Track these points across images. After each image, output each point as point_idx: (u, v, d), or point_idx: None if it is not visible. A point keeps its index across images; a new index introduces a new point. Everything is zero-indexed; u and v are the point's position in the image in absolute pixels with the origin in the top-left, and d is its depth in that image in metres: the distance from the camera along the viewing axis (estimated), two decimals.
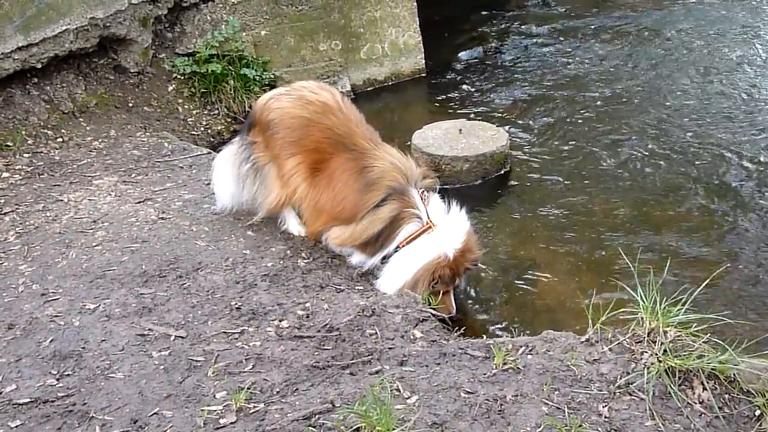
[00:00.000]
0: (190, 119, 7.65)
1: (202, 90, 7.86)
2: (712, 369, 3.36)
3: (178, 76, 7.87)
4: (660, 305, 3.53)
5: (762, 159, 6.69)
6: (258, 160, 4.93)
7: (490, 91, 8.62)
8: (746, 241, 5.51)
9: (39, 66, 6.70)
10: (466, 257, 4.63)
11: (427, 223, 4.59)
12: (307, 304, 4.16)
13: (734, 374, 3.36)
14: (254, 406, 3.25)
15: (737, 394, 3.32)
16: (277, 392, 3.36)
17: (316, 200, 4.76)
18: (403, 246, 4.61)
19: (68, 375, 3.56)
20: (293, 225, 5.11)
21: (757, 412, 3.24)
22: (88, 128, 6.88)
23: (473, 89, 8.76)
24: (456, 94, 8.64)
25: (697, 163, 6.69)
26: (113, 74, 7.50)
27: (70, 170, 6.13)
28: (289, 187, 4.81)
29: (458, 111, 8.12)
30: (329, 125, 4.72)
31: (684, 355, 3.38)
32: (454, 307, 4.68)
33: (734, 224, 5.74)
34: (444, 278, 4.55)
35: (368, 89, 8.95)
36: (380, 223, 4.59)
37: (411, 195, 4.62)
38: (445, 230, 4.60)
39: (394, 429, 2.96)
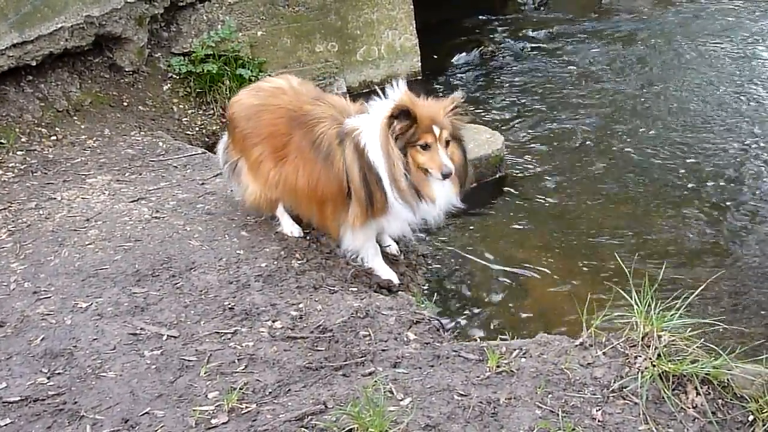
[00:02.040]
0: (185, 119, 7.62)
1: (198, 90, 7.83)
2: (706, 374, 3.35)
3: (174, 76, 7.84)
4: (654, 310, 3.52)
5: (758, 167, 6.70)
6: (230, 158, 4.92)
7: (486, 95, 8.63)
8: (742, 247, 5.51)
9: (34, 63, 6.66)
10: (424, 102, 4.26)
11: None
12: (301, 305, 4.14)
13: (728, 379, 3.36)
14: (246, 407, 3.23)
15: (731, 400, 3.31)
16: (270, 393, 3.34)
17: (295, 187, 4.58)
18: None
19: (59, 373, 3.53)
20: (287, 225, 5.03)
21: (750, 418, 3.24)
22: (82, 127, 6.84)
23: (469, 92, 8.70)
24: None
25: (694, 169, 6.70)
26: (108, 73, 7.47)
27: (63, 168, 6.09)
28: (260, 178, 4.70)
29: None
30: (280, 104, 4.59)
31: (678, 359, 3.38)
32: (448, 162, 4.16)
33: (731, 230, 5.74)
34: (403, 121, 4.12)
35: (364, 91, 8.92)
36: (357, 170, 4.34)
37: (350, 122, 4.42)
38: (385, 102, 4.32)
39: (387, 430, 2.95)
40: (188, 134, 7.44)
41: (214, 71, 7.76)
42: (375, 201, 4.34)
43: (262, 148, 4.64)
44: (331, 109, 4.50)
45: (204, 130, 7.60)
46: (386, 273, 4.78)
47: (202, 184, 5.72)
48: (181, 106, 7.70)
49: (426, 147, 4.14)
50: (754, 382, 3.33)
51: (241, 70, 7.87)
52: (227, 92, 7.81)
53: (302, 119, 4.50)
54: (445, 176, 4.15)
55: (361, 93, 8.83)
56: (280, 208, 5.00)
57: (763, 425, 3.18)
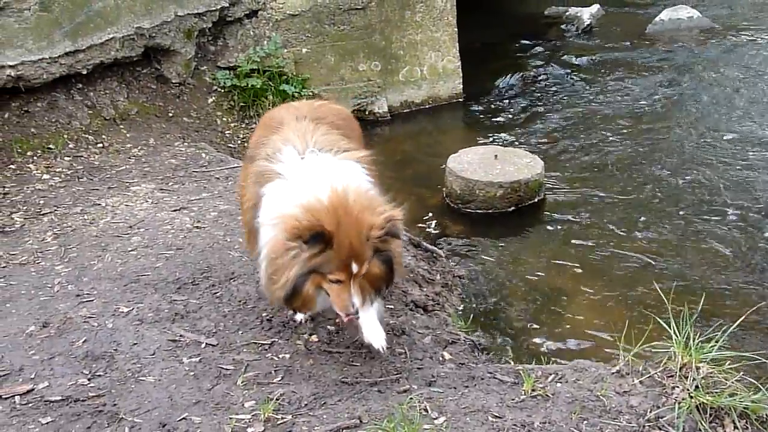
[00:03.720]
0: (227, 132, 7.74)
1: (241, 104, 7.96)
2: (744, 408, 3.32)
3: (219, 89, 7.98)
4: (693, 340, 3.50)
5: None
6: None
7: (527, 119, 8.65)
8: None
9: (84, 72, 6.82)
10: (355, 217, 3.25)
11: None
12: (338, 320, 4.17)
13: (766, 414, 3.32)
14: (282, 417, 3.26)
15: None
16: (305, 405, 3.37)
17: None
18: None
19: (100, 375, 3.59)
20: None
21: None
22: (128, 135, 6.98)
23: (510, 116, 8.79)
24: (492, 120, 8.67)
25: (734, 200, 6.63)
26: (155, 84, 7.62)
27: (108, 175, 6.22)
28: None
29: (494, 137, 8.14)
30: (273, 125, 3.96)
31: (716, 392, 3.34)
32: (357, 301, 3.36)
33: None
34: (309, 244, 3.22)
35: (405, 111, 9.01)
36: (248, 199, 3.74)
37: (284, 153, 3.59)
38: (309, 188, 3.35)
39: None
40: (230, 147, 7.55)
41: (258, 86, 7.88)
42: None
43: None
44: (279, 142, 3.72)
45: (246, 144, 7.69)
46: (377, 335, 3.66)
47: None
48: (224, 119, 7.82)
49: (335, 281, 3.33)
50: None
51: (284, 86, 7.99)
52: (270, 107, 7.90)
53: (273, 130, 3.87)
54: (348, 317, 3.44)
55: (402, 113, 8.92)
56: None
57: None
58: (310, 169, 3.45)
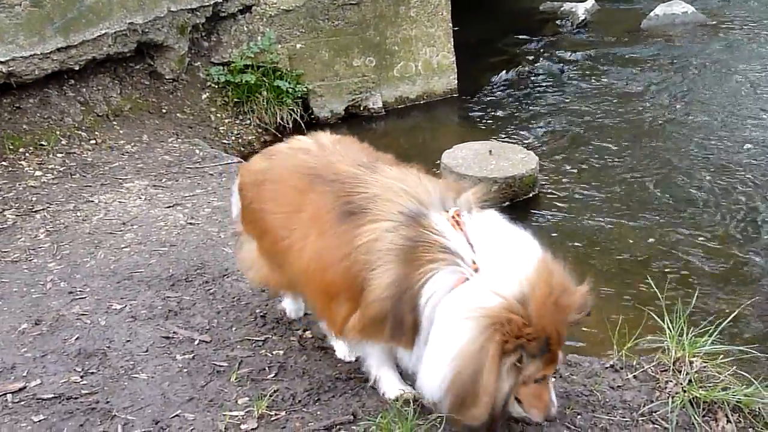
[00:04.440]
0: (221, 128, 7.72)
1: (235, 100, 7.94)
2: (737, 401, 3.33)
3: (212, 85, 7.96)
4: (686, 334, 3.50)
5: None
6: (238, 231, 3.85)
7: (521, 114, 8.64)
8: None
9: (76, 68, 6.79)
10: (561, 303, 2.71)
11: (470, 262, 2.73)
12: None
13: (759, 408, 3.33)
14: (276, 414, 3.25)
15: (761, 428, 3.28)
16: (299, 401, 3.36)
17: (299, 269, 3.16)
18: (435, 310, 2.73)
19: (92, 373, 3.58)
20: (340, 349, 3.68)
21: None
22: (121, 131, 6.96)
23: (504, 111, 8.77)
24: (487, 116, 8.66)
25: (729, 195, 6.63)
26: (148, 80, 7.59)
27: (101, 172, 6.20)
28: (265, 260, 3.55)
29: (488, 132, 8.12)
30: (299, 164, 3.28)
31: (709, 386, 3.36)
32: (555, 403, 2.88)
33: (765, 256, 5.68)
34: (529, 349, 2.64)
35: (399, 107, 8.99)
36: (387, 285, 2.79)
37: (430, 220, 2.81)
38: (502, 267, 2.71)
39: None
40: (225, 143, 7.53)
41: (252, 82, 7.86)
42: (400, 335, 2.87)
43: (267, 224, 3.37)
44: (398, 193, 2.92)
45: (240, 140, 7.70)
46: (391, 387, 3.32)
47: None
48: (218, 115, 7.80)
49: (538, 380, 2.79)
50: None
51: (278, 82, 7.97)
52: (264, 103, 7.92)
53: (329, 177, 3.11)
54: (547, 420, 2.98)
55: (397, 109, 8.90)
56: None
57: None
58: (481, 240, 2.78)
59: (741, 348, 3.56)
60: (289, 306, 4.01)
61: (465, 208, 2.90)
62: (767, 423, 3.32)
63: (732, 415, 3.31)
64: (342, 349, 3.63)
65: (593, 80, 9.57)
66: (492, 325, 2.59)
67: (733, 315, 3.74)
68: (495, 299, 2.62)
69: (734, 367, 3.49)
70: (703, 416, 3.30)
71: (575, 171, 7.20)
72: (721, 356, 3.47)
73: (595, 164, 7.33)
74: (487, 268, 2.69)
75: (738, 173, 7.00)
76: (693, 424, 3.26)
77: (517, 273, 2.67)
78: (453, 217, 2.82)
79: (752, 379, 3.42)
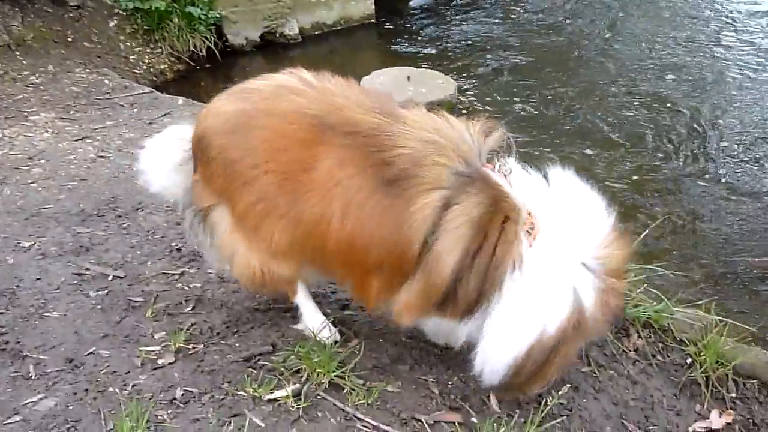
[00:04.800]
0: (132, 57, 7.44)
1: (145, 27, 7.65)
2: (648, 318, 3.44)
3: (120, 12, 7.64)
4: None
5: (709, 115, 6.80)
6: (198, 202, 3.07)
7: (440, 39, 8.58)
8: (686, 197, 5.62)
9: None
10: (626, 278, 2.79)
11: (529, 223, 2.57)
12: None
13: (668, 323, 3.45)
14: (193, 347, 3.21)
15: (670, 343, 3.41)
16: (218, 334, 3.32)
17: (323, 244, 2.76)
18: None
19: (1, 313, 3.46)
20: (313, 320, 3.27)
21: (689, 360, 3.34)
22: (24, 62, 6.63)
23: (423, 37, 8.69)
24: (406, 41, 8.57)
25: (645, 116, 6.77)
26: (51, 7, 7.24)
27: (5, 105, 5.91)
28: (259, 238, 2.91)
29: (407, 58, 8.04)
30: (294, 109, 2.77)
31: None
32: None
33: (675, 179, 5.84)
34: (602, 326, 2.71)
35: (317, 33, 8.82)
36: (456, 252, 2.55)
37: (489, 180, 2.61)
38: (582, 232, 2.61)
39: (334, 371, 2.96)
40: (136, 73, 7.28)
41: (163, 8, 7.58)
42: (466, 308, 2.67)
43: (261, 186, 2.81)
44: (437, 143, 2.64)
45: (152, 69, 7.45)
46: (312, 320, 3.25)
47: (150, 123, 5.61)
48: (128, 44, 7.51)
49: None
50: (693, 326, 3.43)
51: (190, 8, 7.71)
52: (176, 30, 7.65)
53: (343, 128, 2.70)
54: None
55: (314, 35, 8.72)
56: (302, 292, 3.27)
57: (701, 367, 3.28)
58: (554, 199, 2.65)
59: (650, 266, 3.68)
60: (313, 317, 3.28)
61: (499, 157, 2.75)
62: (676, 338, 3.44)
63: (643, 331, 3.43)
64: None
65: (515, 4, 9.53)
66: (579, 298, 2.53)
67: (643, 234, 3.82)
68: (582, 270, 2.54)
69: (645, 285, 3.60)
70: (616, 333, 3.41)
71: (494, 97, 7.21)
72: (633, 275, 3.56)
73: (515, 86, 7.35)
74: (565, 232, 2.57)
75: (659, 96, 7.14)
76: (606, 340, 3.35)
77: (598, 239, 2.59)
78: (500, 172, 2.65)
79: (662, 296, 3.53)
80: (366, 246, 2.67)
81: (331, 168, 2.67)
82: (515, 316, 2.56)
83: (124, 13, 7.63)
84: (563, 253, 2.54)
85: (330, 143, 2.68)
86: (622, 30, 8.79)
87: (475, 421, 2.87)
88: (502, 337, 2.59)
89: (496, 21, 9.09)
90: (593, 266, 2.55)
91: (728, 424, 3.12)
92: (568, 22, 8.97)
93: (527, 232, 2.54)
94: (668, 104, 6.97)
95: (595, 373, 3.21)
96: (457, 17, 9.25)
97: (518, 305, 2.55)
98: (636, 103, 6.99)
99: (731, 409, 3.21)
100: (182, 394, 2.91)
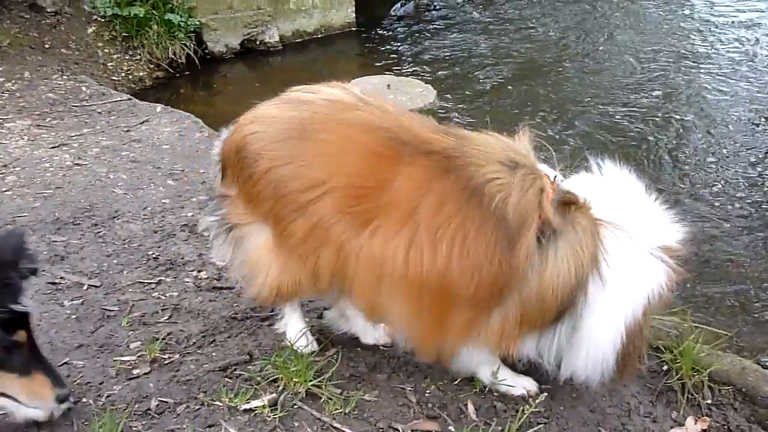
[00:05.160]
0: (110, 64, 7.40)
1: (124, 34, 7.61)
2: None
3: (99, 19, 7.60)
4: None
5: (652, 96, 6.89)
6: (230, 218, 2.89)
7: (421, 47, 8.60)
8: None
9: None
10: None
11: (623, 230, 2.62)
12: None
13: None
14: (169, 357, 3.18)
15: (647, 351, 3.41)
16: (194, 343, 3.29)
17: (394, 273, 2.57)
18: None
19: None
20: (294, 328, 3.17)
21: (665, 367, 3.35)
22: (0, 69, 6.57)
23: (403, 45, 8.72)
24: (386, 49, 8.59)
25: (616, 120, 6.83)
26: (28, 13, 7.19)
27: None
28: (304, 265, 2.73)
29: (387, 66, 8.06)
30: (361, 120, 2.63)
31: None
32: None
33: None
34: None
35: (297, 41, 8.82)
36: (566, 275, 2.54)
37: (573, 195, 2.63)
38: (655, 232, 2.67)
39: (311, 380, 2.94)
40: (114, 80, 7.24)
41: (142, 15, 7.54)
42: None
43: (319, 210, 2.61)
44: (489, 155, 2.62)
45: (130, 76, 7.41)
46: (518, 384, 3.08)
47: (128, 131, 5.58)
48: (106, 51, 7.47)
49: None
50: (669, 334, 3.44)
51: (170, 15, 7.68)
52: (155, 37, 7.62)
53: (417, 146, 2.58)
54: None
55: (294, 43, 8.72)
56: (293, 303, 3.15)
57: (677, 374, 3.29)
58: (614, 194, 2.71)
59: None
60: (296, 325, 3.18)
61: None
62: (652, 345, 3.44)
63: None
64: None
65: (493, 12, 9.57)
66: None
67: None
68: (651, 257, 2.61)
69: None
70: None
71: (474, 104, 7.23)
72: None
73: (495, 96, 7.38)
74: (631, 224, 2.61)
75: (641, 100, 7.20)
76: None
77: (656, 228, 2.66)
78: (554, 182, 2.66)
79: None
80: (463, 276, 2.53)
81: (415, 189, 2.53)
82: (609, 308, 2.61)
83: (103, 20, 7.59)
84: (635, 244, 2.59)
85: (410, 162, 2.54)
86: (599, 39, 8.85)
87: (453, 429, 2.85)
88: (603, 331, 2.64)
89: (476, 30, 9.12)
90: (658, 253, 2.61)
91: (704, 430, 3.13)
92: (548, 33, 9.01)
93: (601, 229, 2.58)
94: (642, 114, 7.02)
95: (572, 380, 3.20)
96: (438, 25, 9.28)
97: (609, 299, 2.59)
98: (613, 112, 7.04)
99: (707, 415, 3.21)
100: (157, 405, 2.88)
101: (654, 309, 2.73)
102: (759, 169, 6.09)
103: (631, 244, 2.59)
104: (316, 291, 2.87)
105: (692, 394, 3.28)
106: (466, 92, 7.47)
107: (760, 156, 6.28)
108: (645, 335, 2.79)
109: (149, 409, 2.87)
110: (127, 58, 7.56)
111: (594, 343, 2.67)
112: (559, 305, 2.58)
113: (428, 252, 2.51)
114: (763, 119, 6.88)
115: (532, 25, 9.21)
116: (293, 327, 3.17)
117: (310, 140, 2.58)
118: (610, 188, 2.70)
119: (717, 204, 5.59)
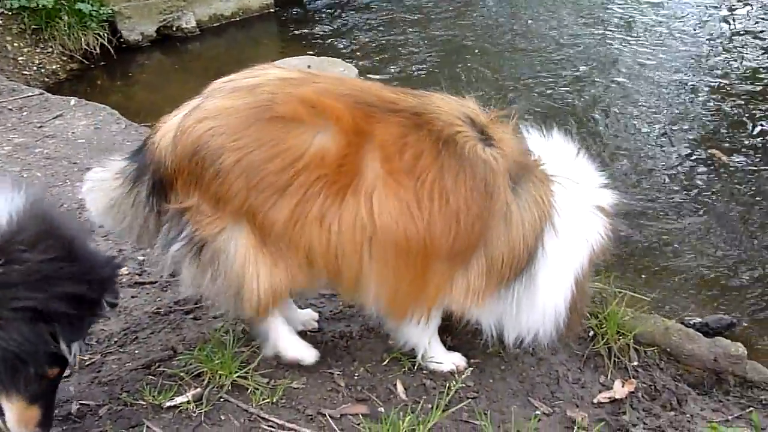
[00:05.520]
0: (20, 58, 7.16)
1: (33, 26, 7.35)
2: None
3: (5, 11, 7.31)
4: None
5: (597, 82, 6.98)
6: (197, 231, 2.63)
7: (341, 27, 8.53)
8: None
9: None
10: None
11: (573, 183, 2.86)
12: (148, 249, 3.97)
13: None
14: (90, 358, 3.10)
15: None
16: (115, 342, 3.21)
17: (380, 237, 2.59)
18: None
19: None
20: (291, 344, 2.98)
21: (591, 333, 3.39)
22: None
23: (323, 25, 8.63)
24: (305, 31, 8.49)
25: (550, 94, 6.88)
26: None
27: None
28: (296, 251, 2.62)
29: (308, 47, 7.97)
30: (322, 90, 2.59)
31: None
32: None
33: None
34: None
35: (215, 25, 8.64)
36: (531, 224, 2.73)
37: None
38: (579, 173, 2.90)
39: (237, 372, 2.89)
40: (25, 74, 7.00)
41: (50, 6, 7.29)
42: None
43: (302, 185, 2.53)
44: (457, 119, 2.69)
45: (43, 70, 7.18)
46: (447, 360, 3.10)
47: (41, 127, 5.40)
48: (15, 44, 7.22)
49: None
50: (594, 300, 3.48)
51: (80, 5, 7.45)
52: (66, 28, 7.38)
53: (387, 107, 2.63)
54: None
55: (212, 27, 8.56)
56: (275, 314, 2.90)
57: (603, 339, 3.34)
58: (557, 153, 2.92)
59: None
60: (290, 339, 2.99)
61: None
62: None
63: None
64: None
65: None
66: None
67: None
68: (594, 213, 2.87)
69: None
70: None
71: (396, 82, 7.19)
72: None
73: (418, 76, 7.36)
74: (576, 182, 2.83)
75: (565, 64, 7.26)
76: None
77: (594, 186, 2.90)
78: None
79: None
80: (443, 225, 2.60)
81: (391, 144, 2.56)
82: (562, 257, 2.80)
83: (9, 12, 7.32)
84: (578, 197, 2.82)
85: (382, 120, 2.58)
86: (527, 19, 8.89)
87: (382, 410, 2.84)
88: (556, 283, 2.82)
89: (398, 8, 9.07)
90: (598, 210, 2.86)
91: (631, 392, 3.18)
92: (478, 14, 9.01)
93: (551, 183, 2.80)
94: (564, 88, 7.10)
95: (500, 352, 3.22)
96: (360, 5, 9.20)
97: (562, 248, 2.78)
98: (549, 87, 7.10)
99: (633, 377, 3.28)
100: (78, 408, 2.80)
101: (597, 257, 2.90)
102: (679, 125, 6.28)
103: (575, 197, 2.81)
104: (311, 279, 2.74)
105: (619, 358, 3.35)
106: (393, 72, 7.44)
107: (680, 115, 6.46)
108: (587, 288, 3.02)
109: (70, 414, 2.79)
110: (38, 51, 7.31)
111: (550, 295, 2.82)
112: (526, 254, 2.72)
113: (410, 206, 2.56)
114: (682, 84, 7.06)
115: (461, 5, 9.19)
116: (287, 340, 2.97)
117: (277, 119, 2.51)
118: (551, 151, 2.89)
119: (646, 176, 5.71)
